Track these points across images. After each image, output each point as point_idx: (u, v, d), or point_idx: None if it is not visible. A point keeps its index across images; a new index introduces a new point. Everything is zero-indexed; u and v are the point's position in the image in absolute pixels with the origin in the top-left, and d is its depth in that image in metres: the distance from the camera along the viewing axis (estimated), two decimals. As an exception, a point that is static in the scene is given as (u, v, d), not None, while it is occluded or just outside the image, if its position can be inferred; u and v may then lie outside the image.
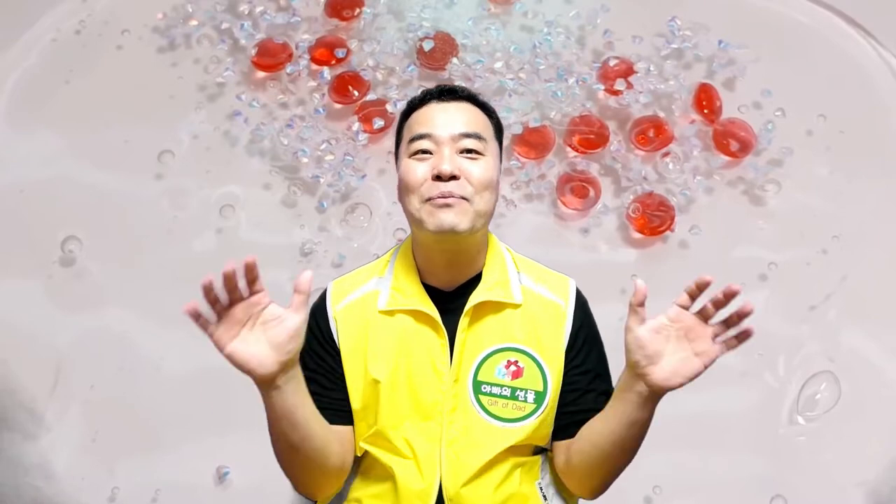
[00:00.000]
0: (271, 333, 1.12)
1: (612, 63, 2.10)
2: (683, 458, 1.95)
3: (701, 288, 1.15)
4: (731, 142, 2.08)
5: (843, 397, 1.98)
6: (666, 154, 2.08)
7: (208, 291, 1.08)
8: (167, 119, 2.11)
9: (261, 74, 2.14)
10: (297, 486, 1.32)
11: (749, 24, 2.16)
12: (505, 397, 1.30)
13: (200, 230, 2.05)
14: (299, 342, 1.15)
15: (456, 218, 1.26)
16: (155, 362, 1.98)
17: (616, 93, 2.08)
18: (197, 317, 1.08)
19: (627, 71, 2.09)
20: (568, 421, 1.34)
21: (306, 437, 1.21)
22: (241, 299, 1.11)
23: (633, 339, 1.17)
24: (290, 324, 1.13)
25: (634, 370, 1.19)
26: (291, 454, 1.24)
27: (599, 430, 1.28)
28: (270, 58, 2.12)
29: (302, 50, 2.12)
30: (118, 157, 2.09)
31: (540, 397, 1.31)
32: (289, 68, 2.11)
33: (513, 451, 1.30)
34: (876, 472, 1.96)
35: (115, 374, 1.97)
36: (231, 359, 1.12)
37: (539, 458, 1.35)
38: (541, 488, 1.34)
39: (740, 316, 1.14)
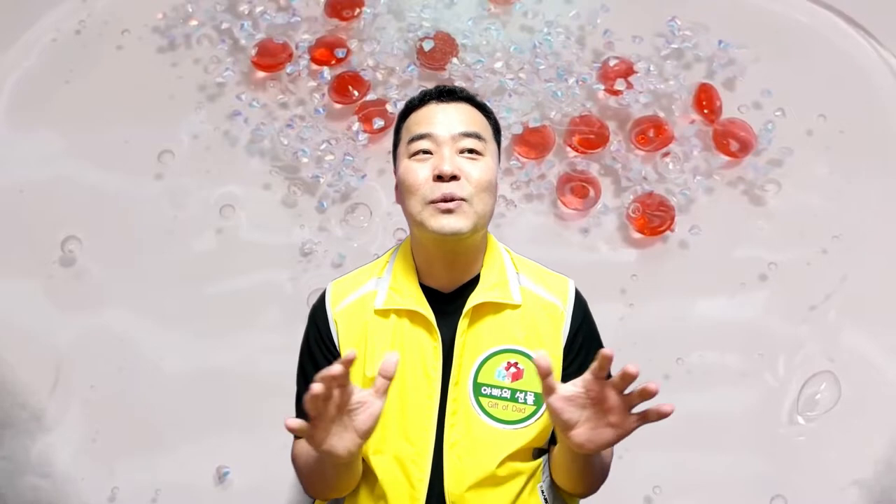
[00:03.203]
0: (358, 420, 1.13)
1: (612, 63, 2.09)
2: (683, 458, 1.95)
3: (626, 380, 1.07)
4: (731, 142, 2.08)
5: (843, 397, 1.98)
6: (666, 154, 2.08)
7: (313, 403, 1.07)
8: (167, 119, 2.11)
9: (261, 74, 2.14)
10: (314, 495, 1.35)
11: (749, 24, 2.16)
12: (505, 399, 1.30)
13: (200, 230, 2.04)
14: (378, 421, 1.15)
15: (458, 222, 1.26)
16: (155, 362, 1.98)
17: (616, 93, 2.08)
18: (299, 429, 1.07)
19: (627, 71, 2.09)
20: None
21: (348, 479, 1.27)
22: (336, 402, 1.11)
23: (548, 406, 1.12)
24: (375, 409, 1.13)
25: (557, 433, 1.19)
26: (323, 486, 1.29)
27: (559, 462, 1.31)
28: (270, 58, 2.12)
29: (302, 50, 2.12)
30: (118, 157, 2.08)
31: (539, 399, 1.30)
32: (289, 68, 2.11)
33: (515, 454, 1.30)
34: (875, 472, 1.96)
35: (115, 374, 1.98)
36: (326, 454, 1.13)
37: (541, 461, 1.35)
38: (542, 491, 1.34)
39: (643, 396, 1.06)
